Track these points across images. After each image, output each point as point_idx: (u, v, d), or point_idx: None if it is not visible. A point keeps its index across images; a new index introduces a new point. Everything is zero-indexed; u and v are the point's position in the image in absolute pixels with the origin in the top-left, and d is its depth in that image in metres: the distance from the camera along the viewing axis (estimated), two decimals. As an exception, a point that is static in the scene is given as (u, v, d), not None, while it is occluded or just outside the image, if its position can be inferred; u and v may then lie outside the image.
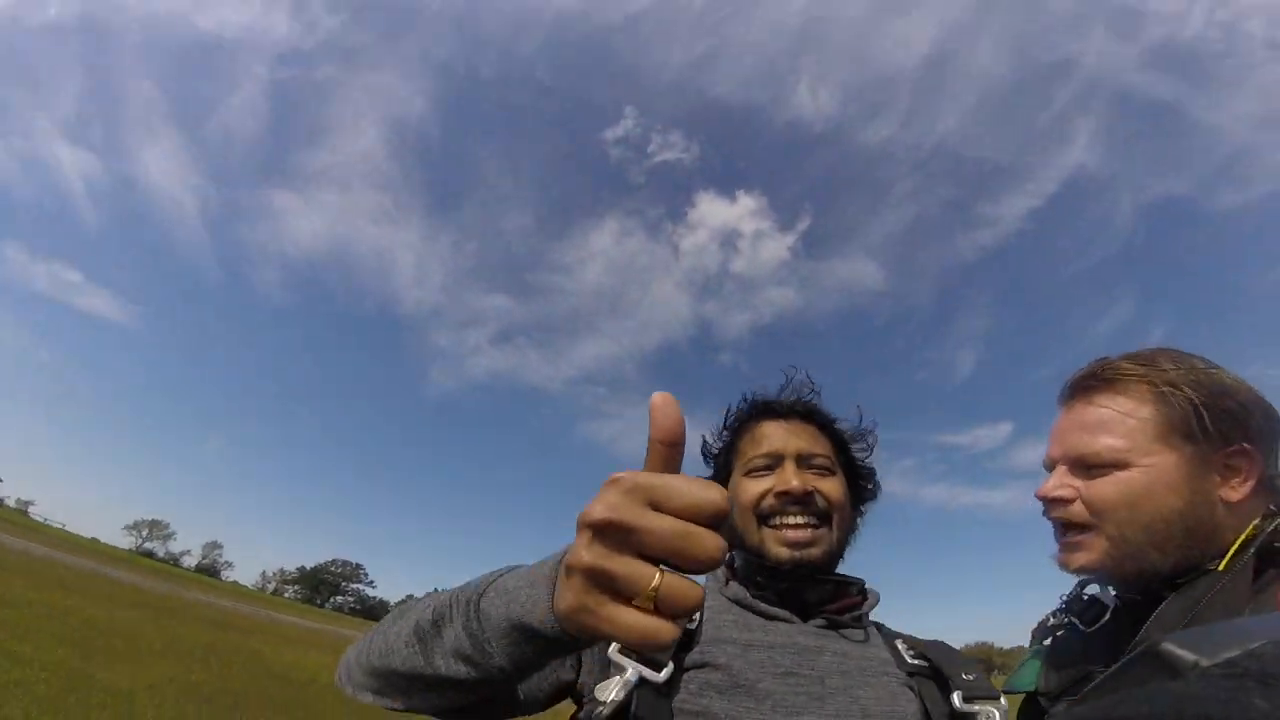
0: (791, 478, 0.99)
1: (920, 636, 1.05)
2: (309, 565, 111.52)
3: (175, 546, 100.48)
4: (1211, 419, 0.82)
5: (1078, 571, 0.90)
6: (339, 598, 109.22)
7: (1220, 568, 0.80)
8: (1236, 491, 0.83)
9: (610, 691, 0.79)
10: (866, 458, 1.13)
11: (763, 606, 0.97)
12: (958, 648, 1.01)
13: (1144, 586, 0.87)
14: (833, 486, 1.02)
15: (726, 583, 1.03)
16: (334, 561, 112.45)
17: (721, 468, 1.12)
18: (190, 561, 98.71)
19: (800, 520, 0.98)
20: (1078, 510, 0.88)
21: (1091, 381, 0.92)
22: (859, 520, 1.12)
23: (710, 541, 0.42)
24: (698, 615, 0.94)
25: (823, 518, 0.99)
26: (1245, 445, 0.82)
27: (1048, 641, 1.01)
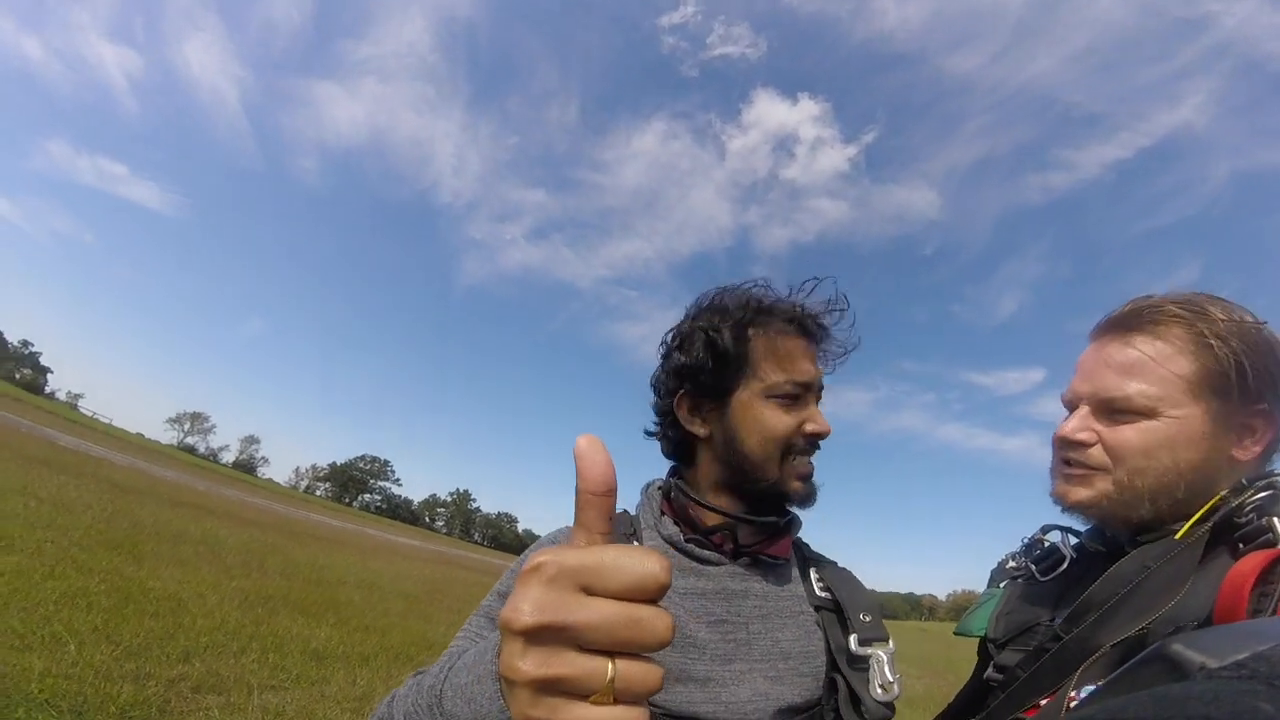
0: (824, 421, 0.93)
1: (835, 560, 1.04)
2: (339, 461, 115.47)
3: (215, 441, 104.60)
4: (1246, 376, 0.78)
5: (1073, 506, 0.87)
6: (367, 495, 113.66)
7: (1179, 534, 0.78)
8: (1248, 451, 0.81)
9: None
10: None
11: (695, 550, 0.92)
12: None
13: (1113, 538, 0.87)
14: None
15: (661, 516, 0.97)
16: (362, 458, 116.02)
17: (723, 365, 0.93)
18: (228, 457, 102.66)
19: (809, 457, 0.94)
20: (1096, 454, 0.85)
21: (1133, 320, 0.85)
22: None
23: (660, 624, 0.38)
24: None
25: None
26: (1266, 406, 0.80)
27: (1003, 585, 1.01)
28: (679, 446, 1.00)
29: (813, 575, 0.99)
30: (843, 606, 0.93)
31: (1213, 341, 0.79)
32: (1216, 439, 0.80)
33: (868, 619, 0.92)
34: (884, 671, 0.87)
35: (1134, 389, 0.82)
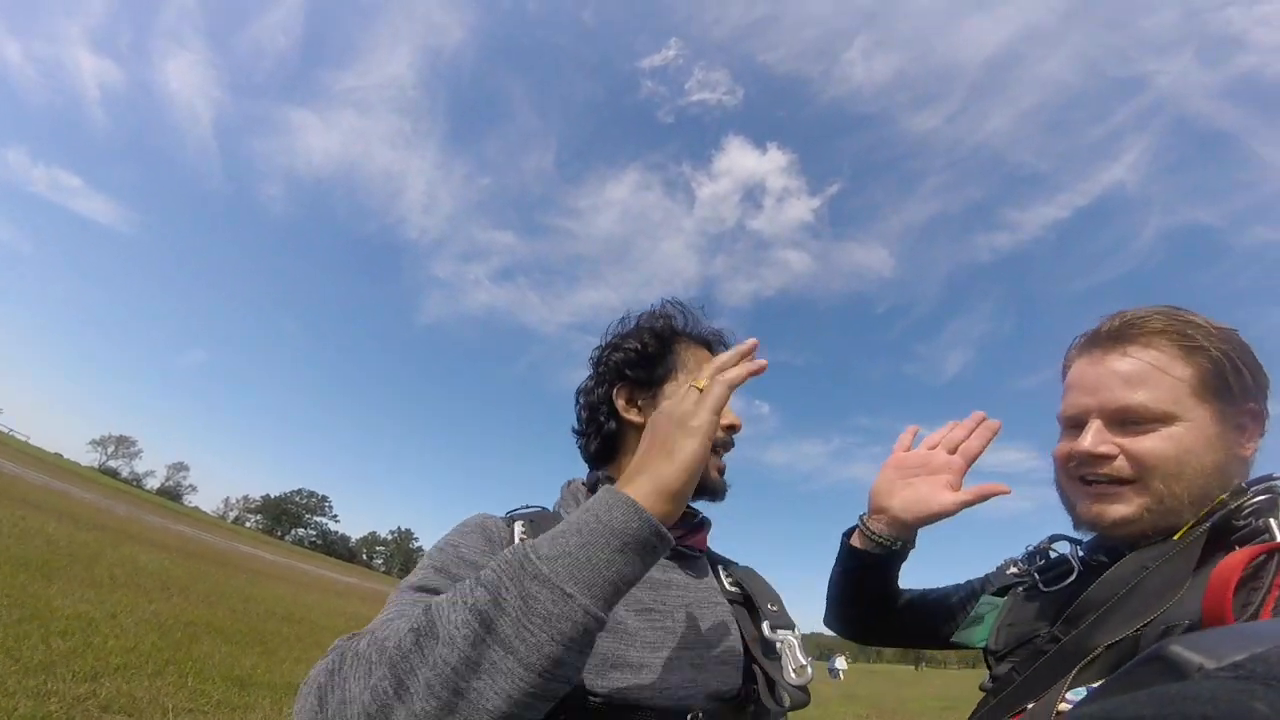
0: (736, 417, 0.99)
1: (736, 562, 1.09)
2: (274, 494, 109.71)
3: (140, 466, 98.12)
4: (1236, 376, 0.80)
5: (1112, 525, 0.83)
6: (300, 530, 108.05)
7: (1177, 536, 0.77)
8: (1247, 449, 0.81)
9: None
10: None
11: None
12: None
13: (1115, 547, 0.85)
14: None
15: None
16: (299, 492, 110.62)
17: (662, 361, 1.02)
18: (154, 483, 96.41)
19: (726, 453, 0.99)
20: (1123, 466, 0.82)
21: (1124, 332, 0.85)
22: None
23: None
24: None
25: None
26: (1253, 405, 0.81)
27: (1007, 596, 0.99)
28: (608, 439, 1.03)
29: (721, 571, 1.03)
30: (752, 597, 0.97)
31: (1202, 345, 0.81)
32: (1226, 439, 0.80)
33: (775, 608, 0.95)
34: (796, 655, 0.87)
35: (1146, 397, 0.81)
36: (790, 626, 0.93)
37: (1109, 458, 0.82)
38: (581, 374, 1.10)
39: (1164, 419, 0.80)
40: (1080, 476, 0.85)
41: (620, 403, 1.02)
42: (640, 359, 1.02)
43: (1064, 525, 0.93)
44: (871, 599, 1.12)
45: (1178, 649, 0.31)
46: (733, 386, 0.68)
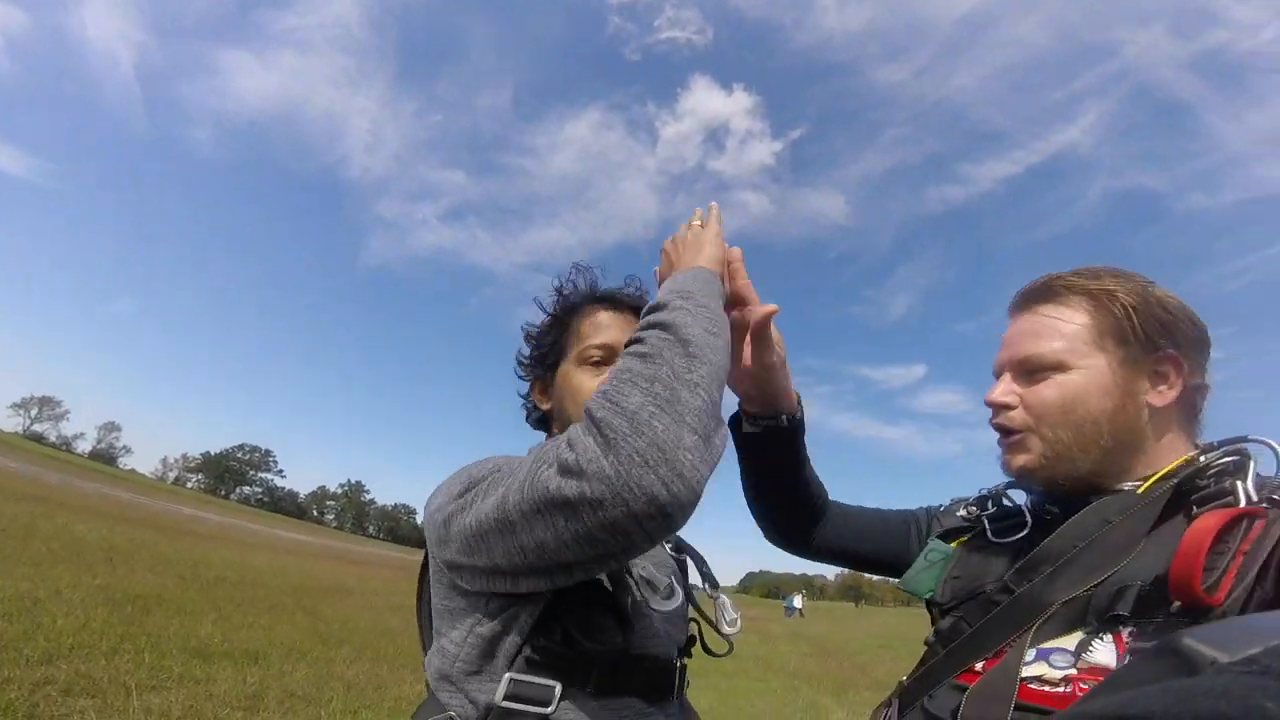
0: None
1: None
2: (214, 451, 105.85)
3: (68, 428, 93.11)
4: (1143, 324, 0.82)
5: (1017, 473, 0.88)
6: (246, 488, 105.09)
7: (1141, 490, 0.79)
8: (1163, 397, 0.83)
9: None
10: None
11: None
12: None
13: (1066, 495, 0.87)
14: None
15: None
16: (241, 447, 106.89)
17: (552, 345, 1.07)
18: (84, 446, 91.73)
19: None
20: (1018, 415, 0.87)
21: (1039, 291, 0.91)
22: None
23: None
24: None
25: None
26: (1173, 352, 0.83)
27: (953, 546, 0.98)
28: (538, 424, 1.11)
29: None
30: (689, 558, 1.09)
31: (1104, 296, 0.85)
32: (1129, 385, 0.83)
33: (705, 569, 1.08)
34: (728, 610, 1.01)
35: (1042, 347, 0.86)
36: (717, 585, 1.07)
37: (1008, 407, 0.88)
38: (535, 314, 1.11)
39: (1057, 367, 0.85)
40: (993, 426, 0.91)
41: (536, 396, 1.09)
42: (537, 349, 1.09)
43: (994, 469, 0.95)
44: (781, 489, 1.10)
45: (1190, 641, 0.30)
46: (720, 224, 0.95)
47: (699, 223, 0.96)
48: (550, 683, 0.77)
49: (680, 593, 1.01)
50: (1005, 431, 0.89)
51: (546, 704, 0.76)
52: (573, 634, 0.79)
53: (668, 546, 1.09)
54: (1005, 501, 0.98)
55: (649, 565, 0.97)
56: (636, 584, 0.92)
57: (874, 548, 1.11)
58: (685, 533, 1.14)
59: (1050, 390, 0.84)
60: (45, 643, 3.76)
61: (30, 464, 25.46)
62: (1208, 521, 0.66)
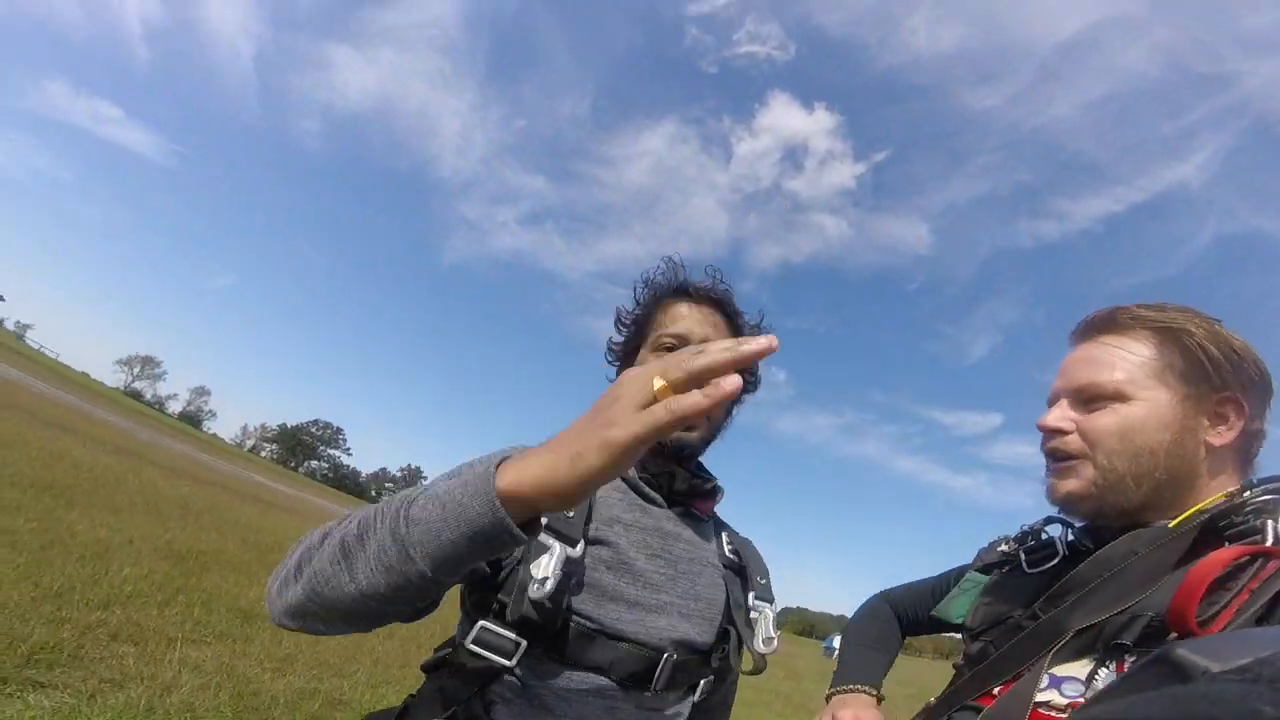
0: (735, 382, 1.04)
1: (740, 533, 1.16)
2: (290, 424, 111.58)
3: (163, 389, 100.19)
4: (1208, 362, 0.81)
5: (1064, 499, 0.87)
6: (314, 462, 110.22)
7: (1173, 524, 0.78)
8: (1221, 438, 0.82)
9: (543, 568, 0.84)
10: None
11: (645, 489, 1.04)
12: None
13: (1104, 527, 0.87)
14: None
15: None
16: (315, 422, 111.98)
17: (634, 335, 1.12)
18: (175, 407, 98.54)
19: None
20: (1073, 441, 0.86)
21: (1103, 321, 0.90)
22: (737, 406, 1.14)
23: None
24: None
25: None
26: (1235, 394, 0.82)
27: (990, 576, 1.00)
28: None
29: (725, 538, 1.12)
30: (746, 568, 1.08)
31: (1171, 331, 0.84)
32: (1188, 422, 0.82)
33: (763, 582, 1.07)
34: (768, 627, 1.01)
35: (1103, 375, 0.85)
36: (770, 601, 1.05)
37: (1063, 432, 0.87)
38: (600, 323, 1.17)
39: (1117, 396, 0.84)
40: (1046, 451, 0.90)
41: None
42: (623, 335, 1.14)
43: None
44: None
45: (1183, 652, 0.31)
46: (682, 417, 0.51)
47: (660, 385, 0.53)
48: (516, 638, 0.84)
49: (722, 596, 1.01)
50: (1058, 457, 0.88)
51: (508, 656, 0.84)
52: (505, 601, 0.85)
53: (727, 548, 1.09)
54: (1044, 536, 0.99)
55: (641, 556, 0.95)
56: (610, 566, 0.92)
57: (925, 612, 1.16)
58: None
59: (1109, 418, 0.83)
60: (108, 588, 4.07)
61: (124, 419, 27.61)
62: (1219, 556, 0.66)
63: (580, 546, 0.89)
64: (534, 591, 0.83)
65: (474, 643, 0.86)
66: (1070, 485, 0.86)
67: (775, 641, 1.00)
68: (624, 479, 1.05)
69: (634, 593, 0.92)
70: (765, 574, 1.09)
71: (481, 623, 0.86)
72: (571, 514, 0.92)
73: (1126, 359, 0.85)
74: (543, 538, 0.86)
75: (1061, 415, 0.88)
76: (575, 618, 0.88)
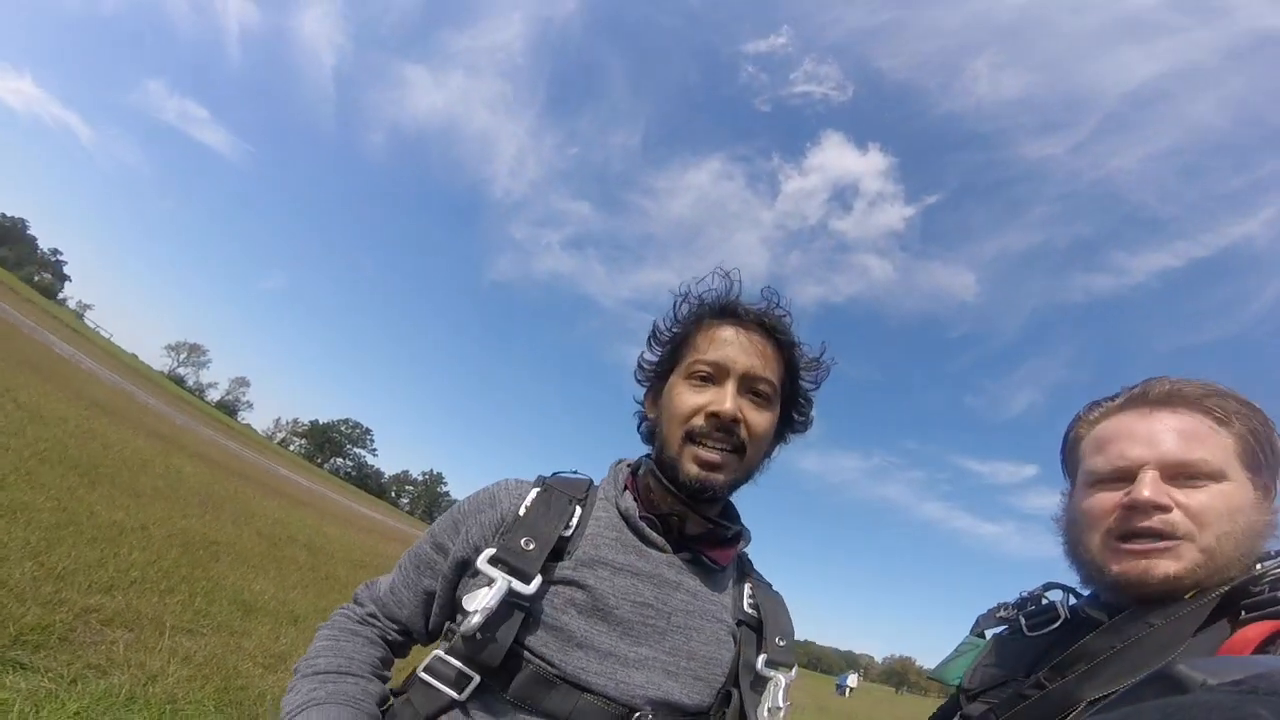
0: (728, 400, 0.91)
1: (771, 584, 1.07)
2: (321, 420, 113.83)
3: (206, 377, 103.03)
4: (1264, 450, 0.83)
5: (1161, 583, 0.79)
6: (339, 460, 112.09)
7: (1188, 596, 0.77)
8: (1275, 519, 0.84)
9: (479, 600, 0.80)
10: (812, 390, 1.04)
11: (645, 531, 0.95)
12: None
13: (1115, 604, 0.85)
14: (762, 420, 0.94)
15: (624, 491, 1.00)
16: (345, 421, 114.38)
17: (669, 355, 1.01)
18: (214, 395, 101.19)
19: (718, 445, 0.91)
20: (1179, 519, 0.80)
21: (1172, 396, 0.87)
22: (780, 447, 1.05)
23: None
24: (574, 522, 0.92)
25: (738, 448, 0.92)
26: (1274, 480, 0.84)
27: (989, 635, 1.00)
28: (647, 437, 1.04)
29: (747, 590, 1.01)
30: (764, 627, 0.97)
31: (1235, 416, 0.83)
32: (1260, 505, 0.82)
33: (782, 643, 0.96)
34: (777, 696, 0.90)
35: (1205, 453, 0.81)
36: (789, 666, 0.94)
37: (1166, 509, 0.81)
38: (633, 351, 1.08)
39: (1216, 476, 0.81)
40: (1122, 534, 0.83)
41: (647, 405, 1.05)
42: (658, 354, 1.03)
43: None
44: None
45: (1181, 668, 0.32)
46: None
47: None
48: (467, 671, 0.82)
49: (728, 654, 0.92)
50: (1158, 536, 0.81)
51: (460, 689, 0.82)
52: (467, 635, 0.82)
53: (747, 602, 0.99)
54: (1044, 601, 0.97)
55: (625, 603, 0.88)
56: (581, 610, 0.86)
57: None
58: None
59: (1218, 499, 0.80)
60: (114, 572, 4.11)
61: (165, 404, 28.39)
62: (1251, 632, 0.66)
63: (535, 583, 0.83)
64: (461, 624, 0.81)
65: (425, 670, 0.84)
66: (1170, 567, 0.79)
67: (783, 712, 0.89)
68: (624, 516, 0.96)
69: (607, 642, 0.85)
70: (787, 635, 0.97)
71: (437, 651, 0.85)
72: (532, 545, 0.86)
73: (1216, 440, 0.83)
74: (488, 569, 0.83)
75: (1162, 490, 0.81)
76: (533, 659, 0.82)
